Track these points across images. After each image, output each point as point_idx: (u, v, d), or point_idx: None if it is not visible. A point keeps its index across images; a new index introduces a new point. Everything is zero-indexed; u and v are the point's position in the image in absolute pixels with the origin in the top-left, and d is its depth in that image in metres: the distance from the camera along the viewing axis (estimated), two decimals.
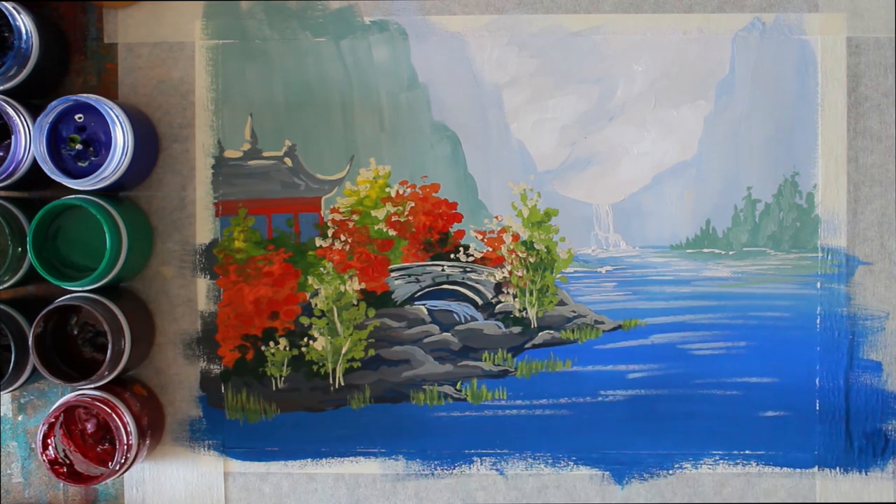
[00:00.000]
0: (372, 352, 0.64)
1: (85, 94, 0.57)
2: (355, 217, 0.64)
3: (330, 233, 0.64)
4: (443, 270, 0.65)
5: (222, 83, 0.64)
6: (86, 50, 0.64)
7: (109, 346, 0.58)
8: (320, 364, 0.64)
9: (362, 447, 0.64)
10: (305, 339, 0.64)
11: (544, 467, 0.64)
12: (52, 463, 0.59)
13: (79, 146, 0.58)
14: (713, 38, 0.63)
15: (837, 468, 0.63)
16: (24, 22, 0.58)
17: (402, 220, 0.64)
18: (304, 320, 0.64)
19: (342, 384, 0.64)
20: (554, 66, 0.64)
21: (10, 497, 0.64)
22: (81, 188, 0.58)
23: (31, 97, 0.61)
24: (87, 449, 0.61)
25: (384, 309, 0.64)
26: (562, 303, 0.64)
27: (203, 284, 0.64)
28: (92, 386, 0.59)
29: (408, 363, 0.64)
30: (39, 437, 0.58)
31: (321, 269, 0.64)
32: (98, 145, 0.59)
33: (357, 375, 0.64)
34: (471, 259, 0.64)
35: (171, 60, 0.64)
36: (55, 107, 0.57)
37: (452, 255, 0.64)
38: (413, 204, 0.64)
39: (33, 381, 0.63)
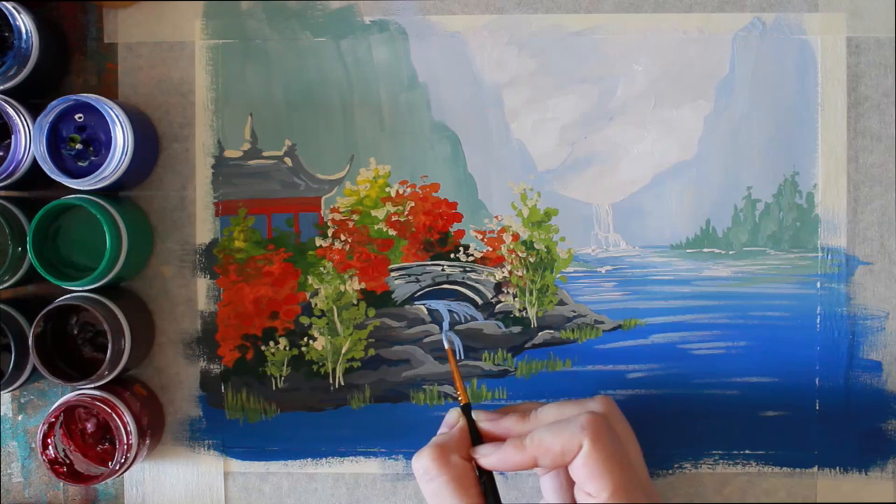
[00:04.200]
0: (372, 351, 0.64)
1: (85, 94, 0.57)
2: (355, 217, 0.64)
3: (330, 232, 0.64)
4: (443, 270, 0.65)
5: (222, 83, 0.64)
6: (86, 50, 0.64)
7: (109, 345, 0.58)
8: (320, 364, 0.64)
9: (362, 447, 0.64)
10: (305, 339, 0.64)
11: None
12: (52, 462, 0.59)
13: (79, 146, 0.58)
14: (713, 38, 0.63)
15: (837, 468, 0.63)
16: (24, 22, 0.58)
17: (402, 219, 0.64)
18: (304, 320, 0.64)
19: (342, 384, 0.64)
20: (554, 66, 0.64)
21: (10, 497, 0.64)
22: (81, 188, 0.58)
23: (31, 97, 0.61)
24: (87, 448, 0.61)
25: (384, 309, 0.64)
26: (562, 302, 0.64)
27: (203, 284, 0.64)
28: (92, 386, 0.59)
29: (408, 363, 0.64)
30: (39, 436, 0.58)
31: (321, 268, 0.64)
32: (98, 145, 0.59)
33: (357, 375, 0.64)
34: (471, 259, 0.64)
35: (171, 60, 0.64)
36: (55, 106, 0.57)
37: (452, 255, 0.64)
38: (413, 204, 0.64)
39: (33, 381, 0.64)
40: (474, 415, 0.55)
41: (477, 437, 0.54)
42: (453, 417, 0.56)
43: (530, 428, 0.52)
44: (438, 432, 0.56)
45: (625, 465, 0.50)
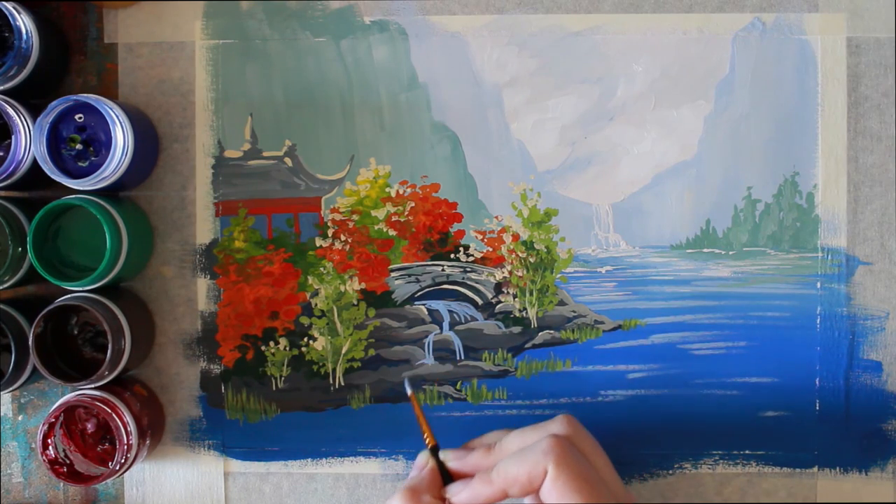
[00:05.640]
0: (372, 352, 0.64)
1: (85, 94, 0.57)
2: (355, 217, 0.64)
3: (330, 233, 0.64)
4: (443, 270, 0.65)
5: (222, 83, 0.64)
6: (86, 50, 0.64)
7: (109, 345, 0.58)
8: (320, 364, 0.64)
9: (362, 447, 0.64)
10: (305, 339, 0.64)
11: None
12: (52, 463, 0.59)
13: (79, 146, 0.58)
14: (713, 38, 0.63)
15: (837, 468, 0.63)
16: (24, 22, 0.58)
17: (402, 220, 0.64)
18: (304, 320, 0.64)
19: (342, 384, 0.64)
20: (554, 66, 0.64)
21: (10, 497, 0.64)
22: (81, 188, 0.58)
23: (31, 97, 0.61)
24: (87, 449, 0.61)
25: (384, 309, 0.64)
26: (562, 303, 0.64)
27: (203, 284, 0.64)
28: (92, 386, 0.59)
29: (408, 363, 0.64)
30: (39, 436, 0.58)
31: (321, 269, 0.64)
32: (98, 145, 0.59)
33: (357, 375, 0.64)
34: (471, 259, 0.64)
35: (171, 60, 0.64)
36: (55, 107, 0.57)
37: (452, 255, 0.64)
38: (413, 204, 0.64)
39: (33, 381, 0.63)
40: (442, 455, 0.56)
41: (447, 477, 0.55)
42: (423, 460, 0.57)
43: (496, 460, 0.53)
44: (409, 475, 0.57)
45: (593, 481, 0.50)
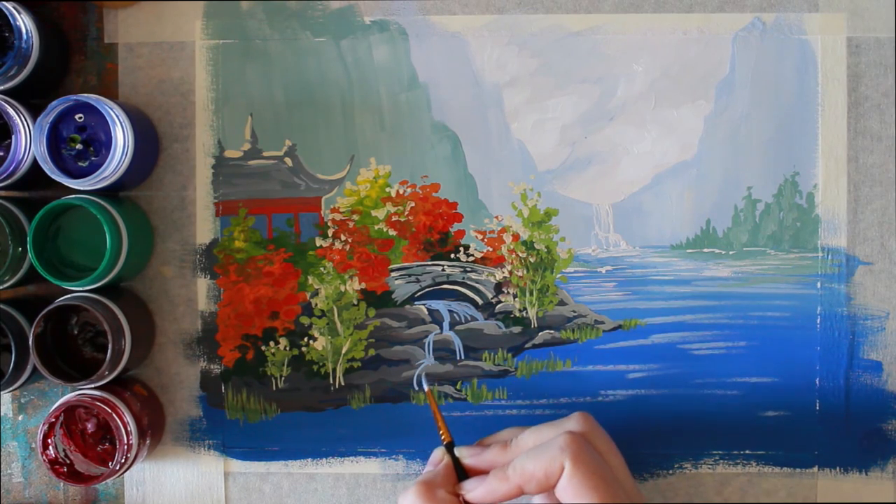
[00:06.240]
0: (372, 351, 0.64)
1: (85, 94, 0.57)
2: (355, 217, 0.64)
3: (330, 233, 0.64)
4: (443, 270, 0.65)
5: (222, 83, 0.64)
6: (86, 50, 0.64)
7: (109, 345, 0.58)
8: (320, 364, 0.64)
9: (362, 447, 0.64)
10: (305, 339, 0.64)
11: None
12: (53, 463, 0.59)
13: (79, 146, 0.58)
14: (713, 38, 0.63)
15: (837, 468, 0.63)
16: (24, 22, 0.58)
17: (402, 219, 0.64)
18: (305, 320, 0.64)
19: (342, 384, 0.64)
20: (554, 66, 0.64)
21: (10, 497, 0.64)
22: (81, 188, 0.58)
23: (31, 97, 0.61)
24: (87, 449, 0.61)
25: (384, 309, 0.64)
26: (562, 303, 0.64)
27: (203, 284, 0.64)
28: (92, 386, 0.59)
29: (408, 363, 0.64)
30: (39, 436, 0.58)
31: (321, 268, 0.64)
32: (98, 145, 0.59)
33: (357, 375, 0.64)
34: (471, 259, 0.64)
35: (171, 60, 0.64)
36: (55, 107, 0.57)
37: (452, 255, 0.64)
38: (413, 204, 0.64)
39: (33, 381, 0.63)
40: (458, 451, 0.56)
41: (462, 473, 0.55)
42: (438, 456, 0.57)
43: (512, 457, 0.53)
44: (424, 471, 0.57)
45: (608, 479, 0.50)
